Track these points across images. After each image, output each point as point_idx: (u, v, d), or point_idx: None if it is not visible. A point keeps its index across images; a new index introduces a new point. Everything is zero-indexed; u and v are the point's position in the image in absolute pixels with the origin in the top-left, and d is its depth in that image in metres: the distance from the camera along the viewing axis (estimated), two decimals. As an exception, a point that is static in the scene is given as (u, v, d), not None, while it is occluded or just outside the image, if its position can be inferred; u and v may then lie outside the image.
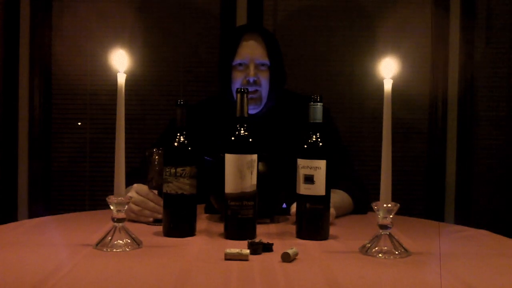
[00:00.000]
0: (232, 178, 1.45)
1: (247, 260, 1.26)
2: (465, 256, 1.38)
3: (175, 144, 1.50)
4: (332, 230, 1.53)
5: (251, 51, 1.94)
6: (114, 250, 1.33)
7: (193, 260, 1.29)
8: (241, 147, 1.46)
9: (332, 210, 1.59)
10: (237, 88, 1.50)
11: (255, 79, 1.93)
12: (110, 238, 1.35)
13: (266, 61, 1.95)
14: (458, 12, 2.88)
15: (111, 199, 1.36)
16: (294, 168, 1.51)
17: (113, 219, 1.37)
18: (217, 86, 2.07)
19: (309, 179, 1.47)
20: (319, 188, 1.47)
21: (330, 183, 1.49)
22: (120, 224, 1.37)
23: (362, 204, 1.86)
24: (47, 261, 1.25)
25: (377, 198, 1.36)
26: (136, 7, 2.87)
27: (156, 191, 1.62)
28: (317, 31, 2.91)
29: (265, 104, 1.97)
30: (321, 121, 1.50)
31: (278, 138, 1.94)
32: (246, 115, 1.49)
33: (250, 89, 1.92)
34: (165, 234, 1.50)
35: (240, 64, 1.95)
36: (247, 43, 1.95)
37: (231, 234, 1.47)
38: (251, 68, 1.93)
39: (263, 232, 1.52)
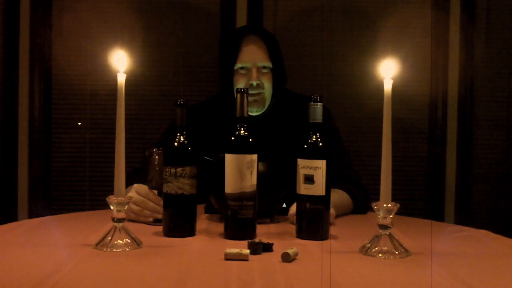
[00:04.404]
0: (232, 178, 1.45)
1: (247, 260, 1.26)
2: (465, 256, 1.38)
3: (175, 144, 1.50)
4: (332, 230, 1.53)
5: (253, 55, 1.93)
6: (114, 250, 1.33)
7: (193, 260, 1.29)
8: (241, 147, 1.46)
9: (332, 210, 1.59)
10: (237, 88, 1.50)
11: (258, 82, 1.92)
12: (110, 238, 1.35)
13: (268, 64, 1.95)
14: (458, 12, 2.88)
15: (111, 199, 1.36)
16: (294, 168, 1.51)
17: (113, 219, 1.37)
18: (217, 86, 2.07)
19: (309, 179, 1.47)
20: (319, 188, 1.47)
21: (330, 183, 1.50)
22: (120, 224, 1.37)
23: (362, 204, 1.86)
24: (47, 261, 1.25)
25: (377, 198, 1.36)
26: (136, 7, 2.87)
27: (156, 191, 1.62)
28: (317, 31, 2.91)
29: (268, 105, 1.97)
30: (321, 121, 1.50)
31: (278, 138, 1.94)
32: (246, 115, 1.49)
33: (254, 92, 1.92)
34: (165, 234, 1.50)
35: (242, 68, 1.94)
36: (248, 47, 1.94)
37: (231, 234, 1.47)
38: (254, 72, 1.92)
39: (263, 232, 1.52)
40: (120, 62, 1.38)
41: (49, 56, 2.87)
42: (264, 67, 1.94)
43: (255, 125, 1.78)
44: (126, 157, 1.37)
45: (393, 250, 1.33)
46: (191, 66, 2.90)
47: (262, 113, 1.98)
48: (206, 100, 2.15)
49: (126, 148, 1.37)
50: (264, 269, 1.21)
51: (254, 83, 1.91)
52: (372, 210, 1.38)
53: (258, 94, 1.93)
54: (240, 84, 1.93)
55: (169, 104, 2.80)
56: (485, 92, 2.93)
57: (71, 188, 2.91)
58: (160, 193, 1.57)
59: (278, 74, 1.97)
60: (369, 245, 1.35)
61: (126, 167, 1.39)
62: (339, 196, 1.78)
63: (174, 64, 2.90)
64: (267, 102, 1.96)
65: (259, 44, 1.95)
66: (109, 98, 2.83)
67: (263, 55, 1.94)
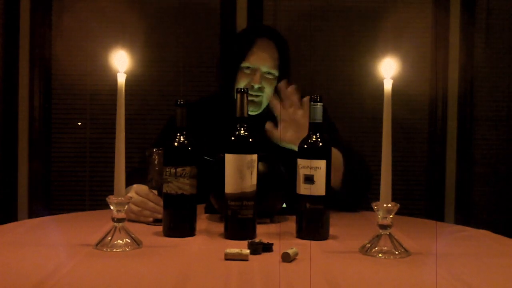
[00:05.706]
0: (232, 178, 1.45)
1: (247, 260, 1.26)
2: (465, 256, 1.38)
3: (175, 144, 1.50)
4: (332, 230, 1.53)
5: (262, 60, 1.90)
6: (114, 250, 1.33)
7: (193, 260, 1.29)
8: (241, 147, 1.46)
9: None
10: (237, 88, 1.49)
11: (260, 86, 1.91)
12: (110, 238, 1.35)
13: (274, 71, 1.93)
14: (458, 12, 2.89)
15: (111, 199, 1.36)
16: (294, 168, 1.51)
17: (113, 219, 1.37)
18: (217, 86, 2.06)
19: (309, 179, 1.47)
20: (319, 188, 1.47)
21: (330, 183, 1.49)
22: (120, 224, 1.37)
23: (356, 172, 1.79)
24: (47, 261, 1.24)
25: (377, 198, 1.36)
26: (137, 7, 2.87)
27: (156, 191, 1.62)
28: (317, 31, 2.91)
29: (264, 107, 1.97)
30: (321, 121, 1.50)
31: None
32: (246, 115, 1.49)
33: (253, 93, 1.91)
34: (165, 234, 1.50)
35: (248, 67, 1.92)
36: (260, 50, 1.91)
37: (231, 234, 1.47)
38: (258, 75, 1.89)
39: (263, 232, 1.52)
40: (120, 62, 1.38)
41: (49, 56, 2.87)
42: (270, 73, 1.92)
43: (256, 125, 1.78)
44: (126, 157, 1.37)
45: (393, 250, 1.33)
46: (191, 66, 2.90)
47: (262, 112, 1.97)
48: (206, 98, 2.13)
49: (126, 148, 1.37)
50: (264, 269, 1.21)
51: (256, 86, 1.90)
52: (372, 209, 1.38)
53: (257, 96, 1.92)
54: (242, 82, 1.92)
55: (169, 104, 2.80)
56: (485, 92, 2.94)
57: (71, 188, 2.92)
58: (160, 193, 1.57)
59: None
60: (369, 245, 1.35)
61: (126, 167, 1.39)
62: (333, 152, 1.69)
63: (174, 64, 2.90)
64: (264, 105, 1.96)
65: (271, 50, 1.92)
66: (109, 98, 2.82)
67: (272, 62, 1.91)
